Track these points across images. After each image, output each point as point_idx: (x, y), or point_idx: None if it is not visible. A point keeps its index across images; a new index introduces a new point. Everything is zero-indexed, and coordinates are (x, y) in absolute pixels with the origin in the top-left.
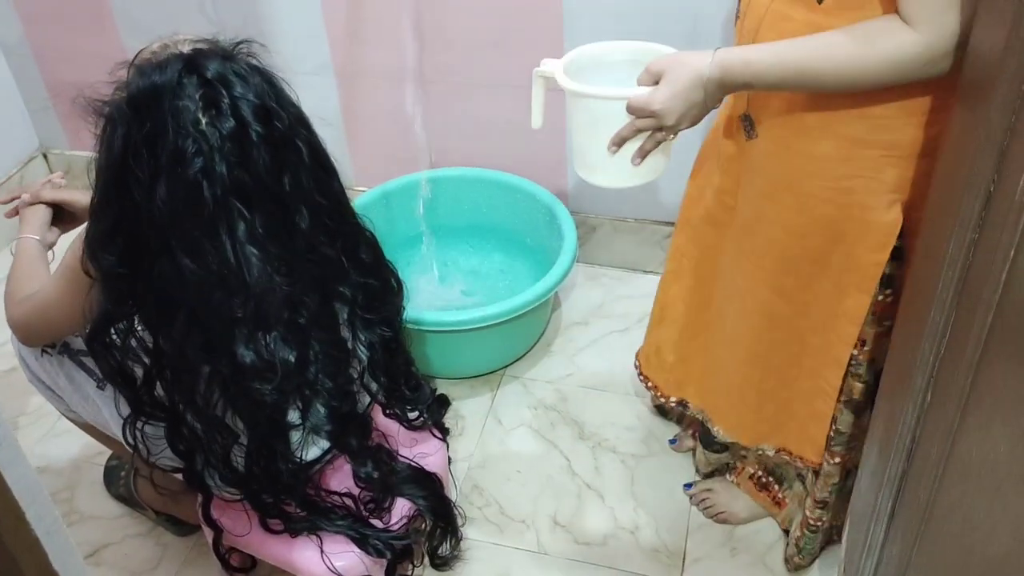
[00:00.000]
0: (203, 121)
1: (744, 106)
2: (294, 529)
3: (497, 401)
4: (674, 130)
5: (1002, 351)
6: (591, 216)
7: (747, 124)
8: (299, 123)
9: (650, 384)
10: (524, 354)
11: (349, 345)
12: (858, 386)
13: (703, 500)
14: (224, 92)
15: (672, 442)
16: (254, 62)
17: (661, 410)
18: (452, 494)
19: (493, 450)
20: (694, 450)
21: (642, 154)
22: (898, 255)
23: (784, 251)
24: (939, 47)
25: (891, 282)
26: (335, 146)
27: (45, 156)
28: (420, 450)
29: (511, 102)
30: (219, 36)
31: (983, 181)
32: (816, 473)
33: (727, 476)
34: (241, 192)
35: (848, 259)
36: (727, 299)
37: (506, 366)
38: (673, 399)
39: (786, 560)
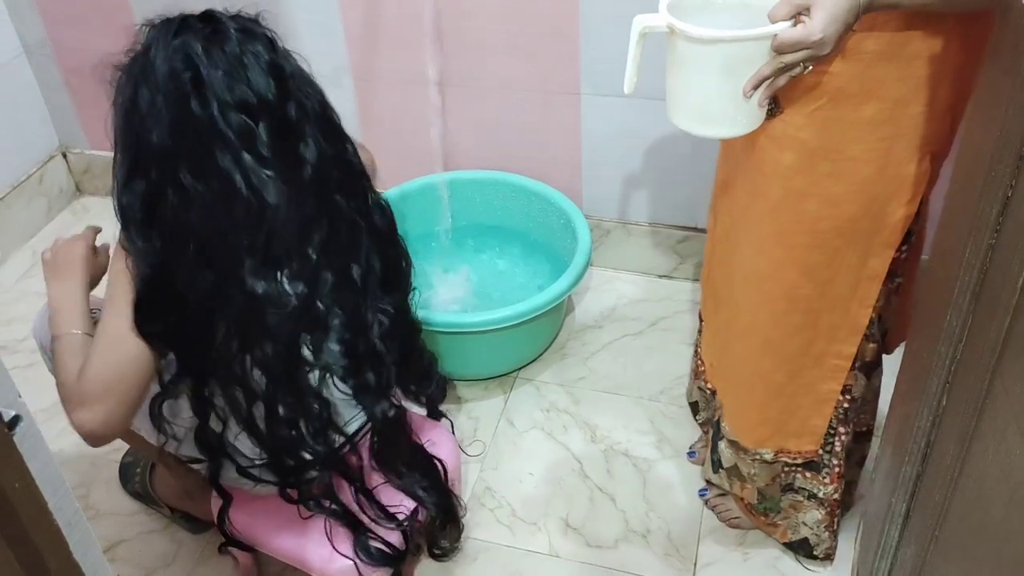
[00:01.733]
0: (202, 45)
1: None
2: (309, 502)
3: (510, 403)
4: (824, 59)
5: (1019, 355)
6: (604, 220)
7: (770, 100)
8: (305, 78)
9: (701, 368)
10: (537, 357)
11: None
12: (870, 347)
13: (717, 506)
14: (228, 25)
15: (691, 455)
16: (268, 32)
17: (695, 408)
18: (462, 488)
19: (505, 452)
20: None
21: (772, 92)
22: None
23: (816, 224)
24: None
25: (908, 237)
26: None
27: (65, 156)
28: (430, 438)
29: (527, 105)
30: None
31: (1000, 186)
32: (811, 468)
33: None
34: (243, 107)
35: (877, 221)
36: (744, 287)
37: (519, 368)
38: (710, 386)
39: (815, 556)
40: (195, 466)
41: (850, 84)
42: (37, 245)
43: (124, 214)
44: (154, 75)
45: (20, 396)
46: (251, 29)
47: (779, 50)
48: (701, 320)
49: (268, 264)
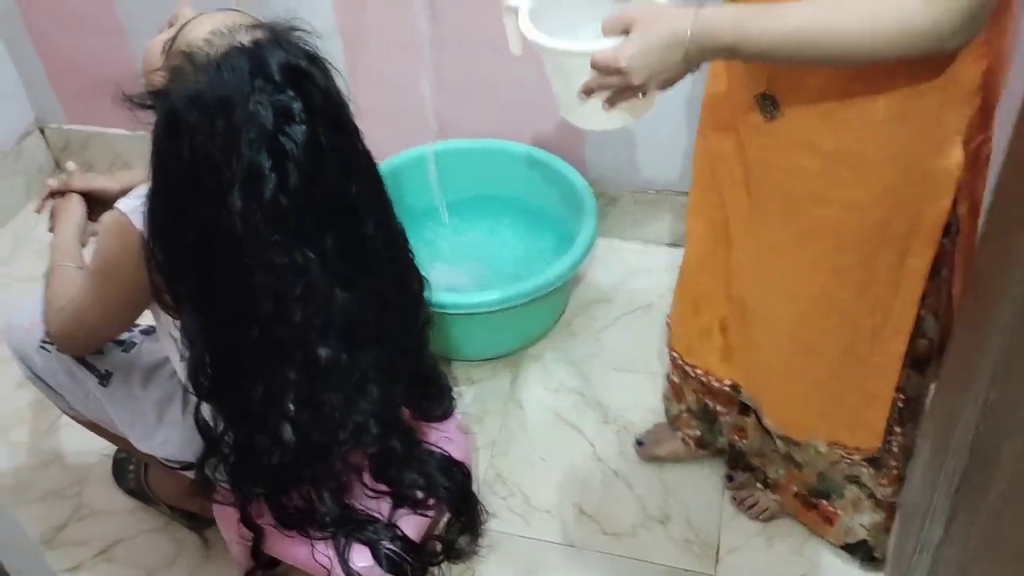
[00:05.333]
0: (278, 133)
1: (763, 84)
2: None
3: (518, 384)
4: (641, 90)
5: None
6: (610, 188)
7: (767, 104)
8: (354, 129)
9: (699, 370)
10: (545, 334)
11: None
12: (923, 343)
13: (745, 499)
14: (295, 96)
15: (639, 443)
16: (309, 50)
17: (705, 413)
18: (475, 483)
19: (515, 436)
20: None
21: (612, 104)
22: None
23: (840, 228)
24: (946, 25)
25: (947, 229)
26: None
27: (42, 131)
28: (442, 434)
29: (525, 69)
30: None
31: None
32: (874, 464)
33: (767, 491)
34: (314, 204)
35: (911, 220)
36: (767, 289)
37: (526, 346)
38: (727, 382)
39: (875, 559)
40: (185, 473)
41: (854, 82)
42: (18, 227)
43: (177, 294)
44: (231, 160)
45: None
46: (314, 97)
47: (595, 68)
48: (671, 350)
49: (318, 338)
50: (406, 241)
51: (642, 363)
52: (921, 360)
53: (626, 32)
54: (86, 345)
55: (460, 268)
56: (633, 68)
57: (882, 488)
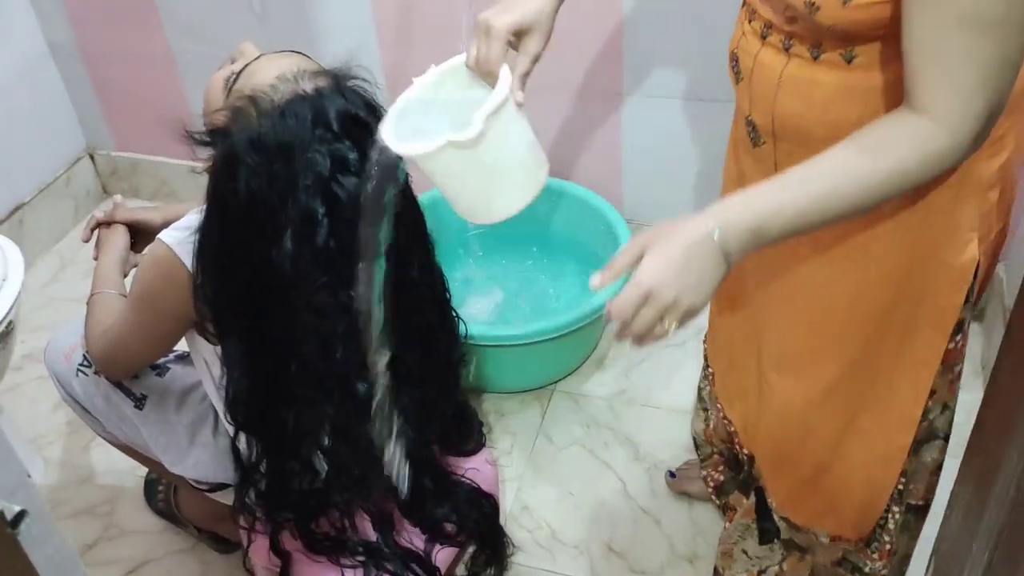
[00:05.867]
0: (332, 180)
1: (772, 169)
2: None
3: (547, 418)
4: (680, 311)
5: None
6: (646, 224)
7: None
8: (405, 175)
9: (732, 428)
10: (576, 368)
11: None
12: (922, 425)
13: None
14: (351, 147)
15: (672, 475)
16: (368, 99)
17: (737, 462)
18: (502, 516)
19: (544, 470)
20: (715, 496)
21: (642, 345)
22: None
23: (844, 314)
24: (966, 143)
25: (960, 327)
26: None
27: (92, 157)
28: (470, 466)
29: (566, 106)
30: (327, 64)
31: None
32: (866, 541)
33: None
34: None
35: (920, 308)
36: (776, 368)
37: (557, 381)
38: (746, 451)
39: None
40: (213, 495)
41: None
42: (64, 249)
43: (222, 326)
44: (287, 204)
45: (30, 476)
46: (370, 148)
47: (614, 317)
48: (706, 360)
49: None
50: (444, 280)
51: (674, 401)
52: (917, 440)
53: (640, 258)
54: (125, 370)
55: (493, 301)
56: (661, 284)
57: (872, 563)
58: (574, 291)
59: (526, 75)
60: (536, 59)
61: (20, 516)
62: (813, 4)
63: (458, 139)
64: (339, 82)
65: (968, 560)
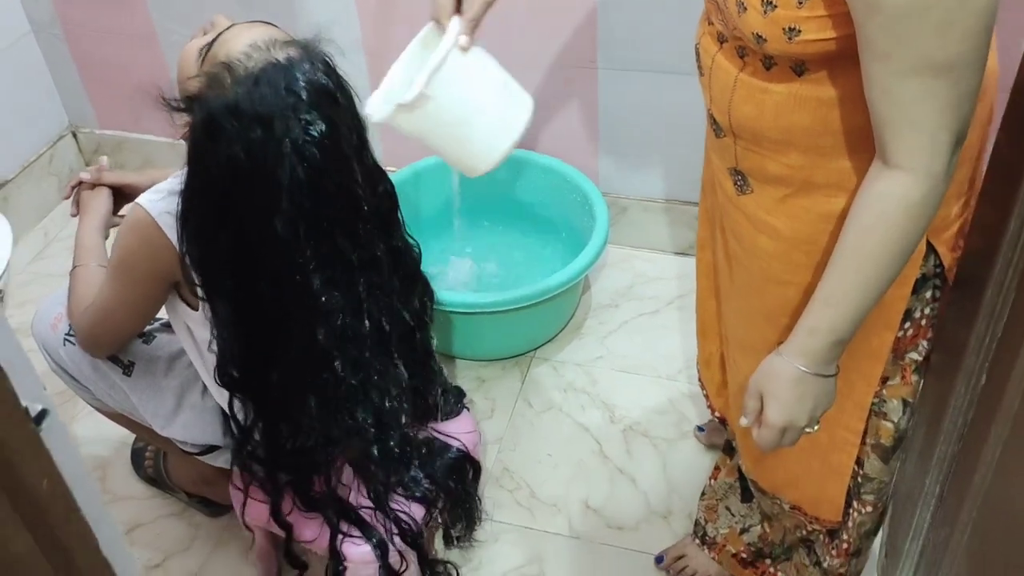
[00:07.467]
0: (303, 146)
1: (733, 161)
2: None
3: (527, 383)
4: (814, 421)
5: None
6: (621, 197)
7: (739, 177)
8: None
9: (704, 392)
10: (554, 336)
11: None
12: (886, 426)
13: (680, 571)
14: (318, 114)
15: (700, 430)
16: (332, 67)
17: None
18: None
19: (524, 433)
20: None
21: (794, 444)
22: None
23: (799, 308)
24: (939, 170)
25: (908, 316)
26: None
27: (75, 135)
28: (453, 429)
29: (542, 80)
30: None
31: None
32: (831, 534)
33: (703, 548)
34: (345, 223)
35: None
36: (739, 352)
37: (536, 348)
38: (717, 415)
39: None
40: (202, 458)
41: (815, 175)
42: (49, 225)
43: (209, 287)
44: (269, 179)
45: (45, 388)
46: (344, 120)
47: (762, 445)
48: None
49: (347, 346)
50: (417, 254)
51: (649, 366)
52: (885, 447)
53: (760, 407)
54: (110, 344)
55: (473, 271)
56: (790, 419)
57: (831, 559)
58: (553, 261)
59: (474, 20)
60: (488, 4)
61: (43, 414)
62: (760, 36)
63: (403, 102)
64: (309, 52)
65: (922, 495)
